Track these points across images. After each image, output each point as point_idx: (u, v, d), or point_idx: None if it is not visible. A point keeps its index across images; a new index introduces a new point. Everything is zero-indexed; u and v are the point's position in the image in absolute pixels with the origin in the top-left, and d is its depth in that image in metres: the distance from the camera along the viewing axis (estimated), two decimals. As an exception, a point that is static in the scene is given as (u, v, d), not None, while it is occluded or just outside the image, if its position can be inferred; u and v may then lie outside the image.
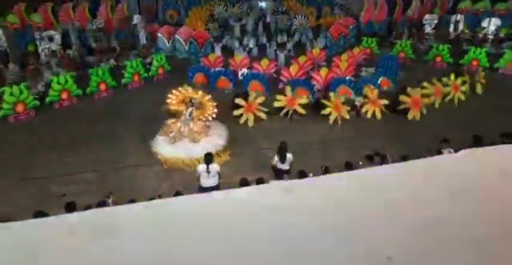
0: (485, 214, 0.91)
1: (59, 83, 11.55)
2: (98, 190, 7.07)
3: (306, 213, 0.83)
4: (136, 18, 16.64)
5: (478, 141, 7.49)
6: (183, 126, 8.45)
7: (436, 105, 11.34)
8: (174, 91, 8.57)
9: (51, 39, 12.58)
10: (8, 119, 10.47)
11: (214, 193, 1.00)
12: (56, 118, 10.85)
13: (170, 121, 8.57)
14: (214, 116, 8.85)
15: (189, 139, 8.40)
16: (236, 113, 10.34)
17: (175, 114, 8.65)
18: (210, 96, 8.84)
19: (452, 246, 0.80)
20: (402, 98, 10.74)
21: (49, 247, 0.68)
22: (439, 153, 7.23)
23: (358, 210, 0.86)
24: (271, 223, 0.80)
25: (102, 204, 6.02)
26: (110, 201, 6.21)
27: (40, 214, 5.46)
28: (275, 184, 0.97)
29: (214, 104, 8.84)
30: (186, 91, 8.52)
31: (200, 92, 8.64)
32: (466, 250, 0.78)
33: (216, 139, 8.69)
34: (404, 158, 7.20)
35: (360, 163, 7.30)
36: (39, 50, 13.11)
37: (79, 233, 0.72)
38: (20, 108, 10.68)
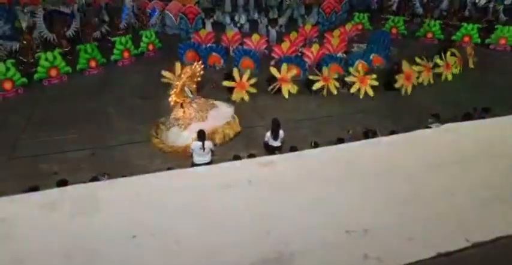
0: (464, 187, 0.95)
1: (46, 59, 11.32)
2: (89, 168, 7.08)
3: (281, 187, 0.86)
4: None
5: (467, 118, 7.58)
6: (195, 105, 8.39)
7: (424, 82, 11.33)
8: (171, 89, 8.23)
9: (33, 15, 12.18)
10: (-5, 97, 10.31)
11: (194, 168, 1.02)
12: (45, 96, 10.70)
13: (179, 113, 8.31)
14: (201, 71, 8.83)
15: (197, 119, 8.28)
16: (234, 97, 10.20)
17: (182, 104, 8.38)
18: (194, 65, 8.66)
19: (430, 219, 0.83)
20: (396, 75, 10.72)
21: (27, 223, 0.69)
22: (427, 128, 7.33)
23: (334, 185, 0.88)
24: (247, 197, 0.83)
25: (94, 181, 6.03)
26: (105, 179, 6.23)
27: (31, 190, 5.49)
28: (251, 160, 0.99)
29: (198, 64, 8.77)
30: (180, 80, 8.21)
31: (186, 72, 8.38)
32: (445, 223, 0.82)
33: (222, 111, 8.74)
34: (392, 133, 7.30)
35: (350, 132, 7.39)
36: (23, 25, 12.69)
37: (59, 208, 0.73)
38: (7, 85, 10.49)
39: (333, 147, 1.09)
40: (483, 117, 7.80)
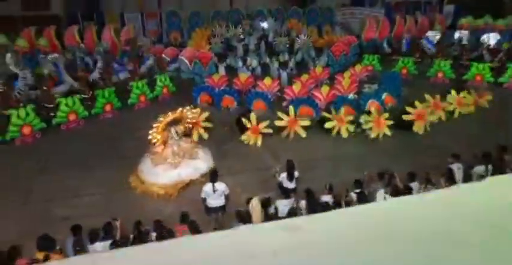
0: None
1: (66, 104, 11.67)
2: (102, 213, 7.00)
3: (310, 257, 0.79)
4: (142, 40, 16.98)
5: (487, 159, 7.43)
6: (175, 147, 8.36)
7: (434, 119, 11.25)
8: (154, 124, 8.36)
9: (55, 62, 12.77)
10: (14, 142, 10.53)
11: (214, 234, 0.96)
12: (61, 140, 10.90)
13: (158, 149, 8.37)
14: (193, 119, 8.83)
15: (188, 157, 8.34)
16: (244, 138, 10.29)
17: (163, 142, 8.45)
18: (185, 109, 8.72)
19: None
20: (408, 108, 10.71)
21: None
22: (448, 169, 7.16)
23: (369, 250, 0.81)
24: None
25: (107, 226, 5.96)
26: (118, 223, 6.14)
27: (45, 237, 5.43)
28: (275, 223, 0.94)
29: (190, 109, 8.78)
30: (164, 118, 8.33)
31: (175, 112, 8.46)
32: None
33: (199, 164, 8.59)
34: (411, 176, 7.13)
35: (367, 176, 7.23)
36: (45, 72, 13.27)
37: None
38: (26, 130, 10.76)
39: (366, 206, 1.03)
40: (502, 157, 7.61)
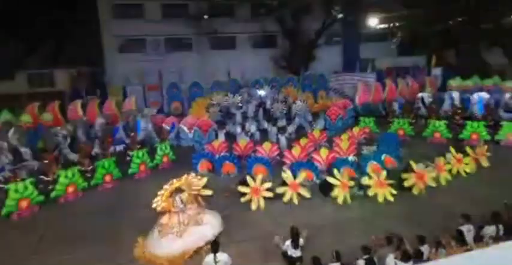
0: None
1: (66, 176, 11.63)
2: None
3: None
4: (144, 110, 17.55)
5: (497, 218, 7.26)
6: (181, 216, 8.16)
7: (443, 182, 11.18)
8: (158, 193, 8.25)
9: (56, 135, 13.07)
10: (10, 216, 10.29)
11: None
12: (59, 213, 10.65)
13: (164, 220, 8.19)
14: (200, 186, 8.64)
15: (193, 224, 8.09)
16: (244, 199, 10.18)
17: (166, 211, 8.28)
18: (190, 176, 8.65)
19: None
20: (404, 175, 10.68)
21: None
22: (458, 231, 6.93)
23: None
24: None
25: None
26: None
27: None
28: None
29: (194, 176, 8.69)
30: (170, 185, 8.26)
31: (180, 179, 8.39)
32: None
33: (214, 214, 8.60)
34: (420, 239, 6.87)
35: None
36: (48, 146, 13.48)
37: None
38: (23, 204, 10.58)
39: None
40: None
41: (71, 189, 11.66)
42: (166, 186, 8.20)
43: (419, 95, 19.11)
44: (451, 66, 27.07)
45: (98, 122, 16.48)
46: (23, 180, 10.90)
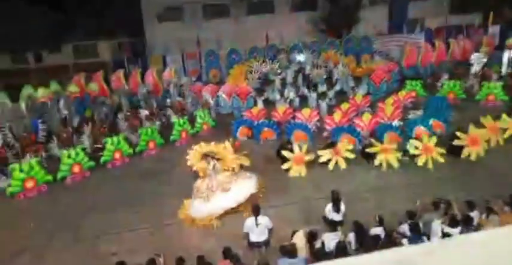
0: None
1: (112, 143, 12.14)
2: (147, 248, 6.98)
3: None
4: (183, 79, 17.73)
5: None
6: (210, 181, 8.46)
7: (492, 144, 10.48)
8: (190, 151, 8.66)
9: (103, 103, 13.56)
10: (65, 181, 10.98)
11: None
12: (108, 178, 11.23)
13: (197, 183, 8.59)
14: (236, 165, 8.73)
15: (220, 189, 8.37)
16: (285, 166, 10.13)
17: (202, 174, 8.63)
18: (228, 145, 8.77)
19: None
20: (459, 133, 10.07)
21: None
22: None
23: None
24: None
25: (151, 263, 5.90)
26: (161, 260, 6.08)
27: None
28: (385, 254, 0.76)
29: (233, 154, 8.79)
30: (201, 147, 8.57)
31: (214, 145, 8.61)
32: None
33: (246, 182, 8.68)
34: (470, 204, 6.54)
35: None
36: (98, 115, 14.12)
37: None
38: (76, 169, 11.23)
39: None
40: None
41: (117, 155, 12.19)
42: (197, 147, 8.56)
43: (473, 55, 17.70)
44: (509, 23, 24.68)
45: (140, 91, 16.89)
46: (74, 147, 11.55)
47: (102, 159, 11.97)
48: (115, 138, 12.30)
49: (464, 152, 9.98)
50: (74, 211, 9.18)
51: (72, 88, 16.22)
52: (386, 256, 0.82)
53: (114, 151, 12.16)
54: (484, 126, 10.60)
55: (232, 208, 8.26)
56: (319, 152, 10.32)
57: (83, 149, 11.80)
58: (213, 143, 8.66)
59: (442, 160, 9.78)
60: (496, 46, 21.07)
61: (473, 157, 9.97)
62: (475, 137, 10.03)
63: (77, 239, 8.00)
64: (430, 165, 9.74)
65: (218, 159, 8.61)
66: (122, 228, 8.21)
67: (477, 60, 17.04)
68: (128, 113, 14.11)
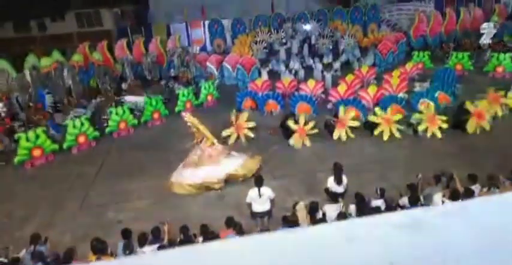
0: None
1: (117, 114, 12.19)
2: (152, 217, 7.16)
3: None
4: (187, 49, 17.51)
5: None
6: (200, 152, 8.79)
7: (496, 114, 10.41)
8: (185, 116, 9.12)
9: (105, 74, 13.49)
10: (71, 150, 11.14)
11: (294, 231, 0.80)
12: (114, 148, 11.37)
13: (192, 153, 8.91)
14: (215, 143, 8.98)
15: (211, 162, 8.64)
16: (291, 142, 10.14)
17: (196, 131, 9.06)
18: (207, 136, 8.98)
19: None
20: (468, 105, 10.01)
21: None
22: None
23: None
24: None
25: (156, 230, 6.09)
26: (165, 228, 6.25)
27: (98, 241, 5.64)
28: (385, 217, 0.76)
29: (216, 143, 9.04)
30: (189, 118, 9.01)
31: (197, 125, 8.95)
32: None
33: (236, 157, 8.92)
34: (472, 177, 6.58)
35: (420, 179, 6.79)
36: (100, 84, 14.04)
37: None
38: (81, 139, 11.35)
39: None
40: None
41: (122, 125, 12.27)
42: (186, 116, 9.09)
43: (484, 25, 17.19)
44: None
45: (145, 60, 16.74)
46: (79, 117, 11.62)
47: (107, 129, 12.08)
48: (119, 109, 12.34)
49: (469, 126, 9.93)
50: (81, 181, 9.38)
51: (76, 57, 16.08)
52: (394, 218, 0.79)
53: (119, 122, 12.24)
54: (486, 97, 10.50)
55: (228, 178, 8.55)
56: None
57: (88, 119, 11.87)
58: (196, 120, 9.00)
59: (439, 135, 9.85)
60: (508, 16, 20.37)
61: (477, 131, 9.94)
62: (481, 112, 9.94)
63: (84, 207, 8.23)
64: (439, 134, 9.81)
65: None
66: (128, 198, 8.39)
67: (487, 30, 16.58)
68: (132, 83, 14.06)
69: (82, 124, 11.43)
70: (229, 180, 8.52)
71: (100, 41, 18.15)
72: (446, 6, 21.48)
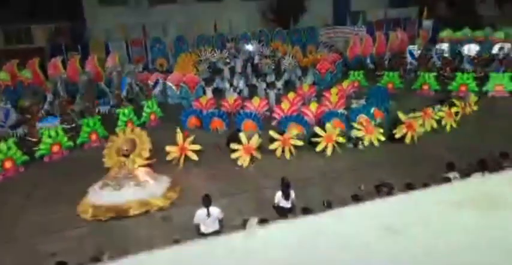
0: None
1: (50, 136, 11.32)
2: (89, 246, 6.63)
3: None
4: (128, 67, 16.92)
5: (483, 166, 7.32)
6: (123, 174, 8.38)
7: (428, 128, 11.28)
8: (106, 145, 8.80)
9: (35, 93, 12.58)
10: (-4, 176, 10.10)
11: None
12: (45, 173, 10.46)
13: (111, 173, 8.50)
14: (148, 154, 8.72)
15: (133, 184, 8.26)
16: (234, 155, 10.06)
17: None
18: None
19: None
20: (401, 115, 10.76)
21: None
22: (445, 178, 7.01)
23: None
24: None
25: (95, 260, 5.62)
26: (105, 257, 5.78)
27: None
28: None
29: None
30: (114, 141, 8.77)
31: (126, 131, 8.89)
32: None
33: (160, 180, 8.68)
34: (409, 186, 6.95)
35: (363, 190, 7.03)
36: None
37: None
38: (8, 165, 10.34)
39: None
40: (500, 163, 7.52)
41: (55, 148, 11.40)
42: (111, 140, 8.82)
43: (409, 47, 18.78)
44: (442, 18, 26.45)
45: (81, 79, 15.90)
46: (5, 140, 10.59)
47: (38, 153, 11.13)
48: (52, 130, 11.49)
49: (407, 140, 10.67)
50: (8, 209, 8.48)
51: (2, 76, 14.91)
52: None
53: (51, 145, 11.35)
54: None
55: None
56: (270, 147, 10.39)
57: (15, 143, 10.81)
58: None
59: (376, 143, 10.54)
60: (429, 39, 22.49)
61: (411, 141, 10.68)
62: (410, 123, 10.73)
63: (12, 239, 7.39)
64: (376, 142, 10.46)
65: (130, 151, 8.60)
66: (61, 227, 7.65)
67: (415, 52, 18.11)
68: (64, 102, 13.15)
69: (9, 148, 10.44)
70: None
71: (31, 59, 17.05)
72: (377, 30, 23.18)
